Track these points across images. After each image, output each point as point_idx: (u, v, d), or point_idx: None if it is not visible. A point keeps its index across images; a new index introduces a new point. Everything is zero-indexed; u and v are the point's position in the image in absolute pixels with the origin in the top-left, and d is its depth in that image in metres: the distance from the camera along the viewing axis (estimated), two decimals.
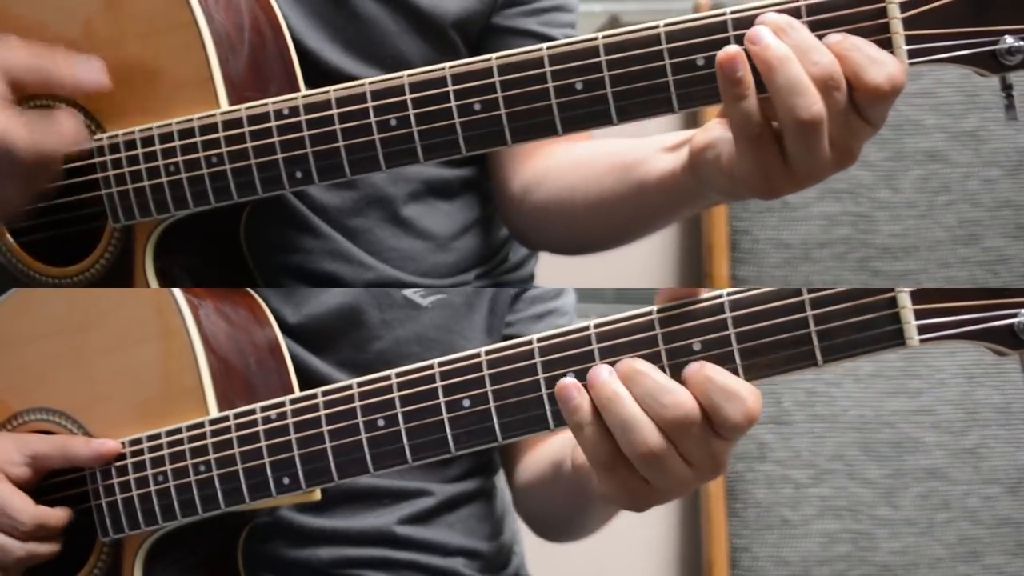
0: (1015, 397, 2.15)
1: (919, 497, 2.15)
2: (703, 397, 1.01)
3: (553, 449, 1.33)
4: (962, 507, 2.14)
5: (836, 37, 1.04)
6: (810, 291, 1.02)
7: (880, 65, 1.03)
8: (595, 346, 1.06)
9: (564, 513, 1.36)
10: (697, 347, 1.04)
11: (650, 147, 1.25)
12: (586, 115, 1.11)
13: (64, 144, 1.20)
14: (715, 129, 1.12)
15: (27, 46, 1.21)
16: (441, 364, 1.10)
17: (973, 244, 2.18)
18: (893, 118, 2.13)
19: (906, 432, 2.12)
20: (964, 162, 2.17)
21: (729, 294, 1.04)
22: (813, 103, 1.02)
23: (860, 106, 1.04)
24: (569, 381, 1.03)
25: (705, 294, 1.05)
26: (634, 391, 1.02)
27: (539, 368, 1.07)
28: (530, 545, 1.55)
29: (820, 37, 1.04)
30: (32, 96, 1.23)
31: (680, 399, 1.00)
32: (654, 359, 1.04)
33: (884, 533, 2.14)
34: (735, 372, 1.03)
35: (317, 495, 1.18)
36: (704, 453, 1.02)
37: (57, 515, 1.24)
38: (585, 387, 1.03)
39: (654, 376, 1.02)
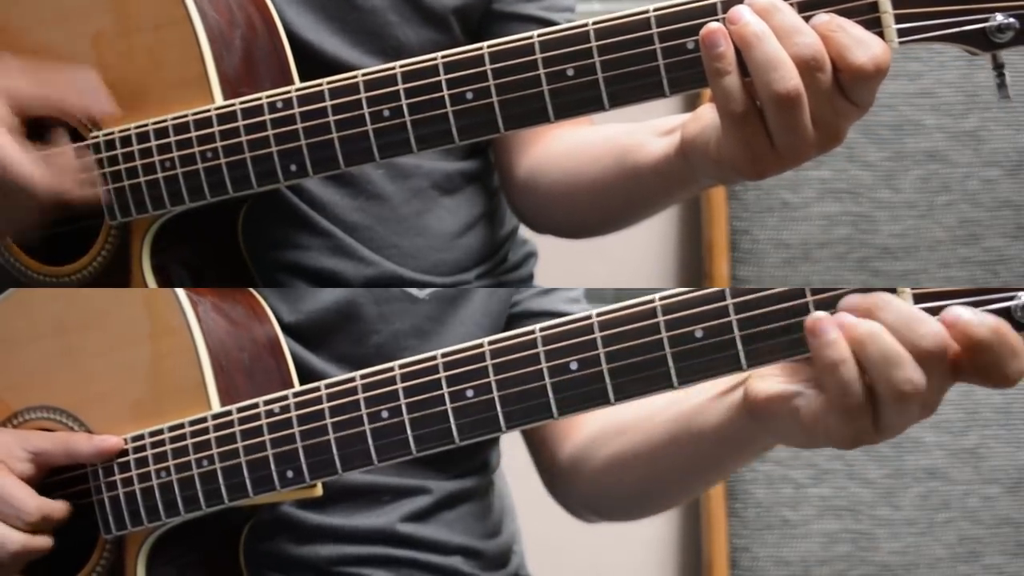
0: (1015, 397, 2.15)
1: (919, 497, 2.15)
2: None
3: (660, 419, 1.26)
4: (962, 507, 2.15)
5: (823, 18, 1.05)
6: (813, 291, 1.03)
7: (865, 46, 1.03)
8: (598, 334, 1.06)
9: (681, 478, 1.28)
10: (699, 334, 1.04)
11: (646, 132, 1.26)
12: (578, 101, 1.11)
13: (79, 182, 1.23)
14: (705, 115, 1.13)
15: (29, 70, 1.23)
16: (444, 355, 1.10)
17: (973, 244, 2.18)
18: (893, 118, 2.16)
19: (906, 432, 2.12)
20: (964, 162, 2.17)
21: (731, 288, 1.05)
22: (790, 78, 1.03)
23: (845, 87, 1.05)
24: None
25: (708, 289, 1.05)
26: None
27: (542, 357, 1.08)
28: (530, 545, 1.56)
29: (808, 18, 1.05)
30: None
31: (935, 328, 0.99)
32: (656, 347, 1.05)
33: (884, 533, 2.14)
34: (736, 358, 1.04)
35: (319, 491, 1.18)
36: (939, 392, 1.01)
37: (60, 508, 1.24)
38: None
39: (903, 306, 1.00)
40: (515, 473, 1.49)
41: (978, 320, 0.98)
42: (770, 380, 1.05)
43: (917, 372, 0.99)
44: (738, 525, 2.15)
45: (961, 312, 0.99)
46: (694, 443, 1.19)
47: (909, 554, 2.14)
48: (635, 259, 2.25)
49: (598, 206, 1.35)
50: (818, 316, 1.00)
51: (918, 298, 1.00)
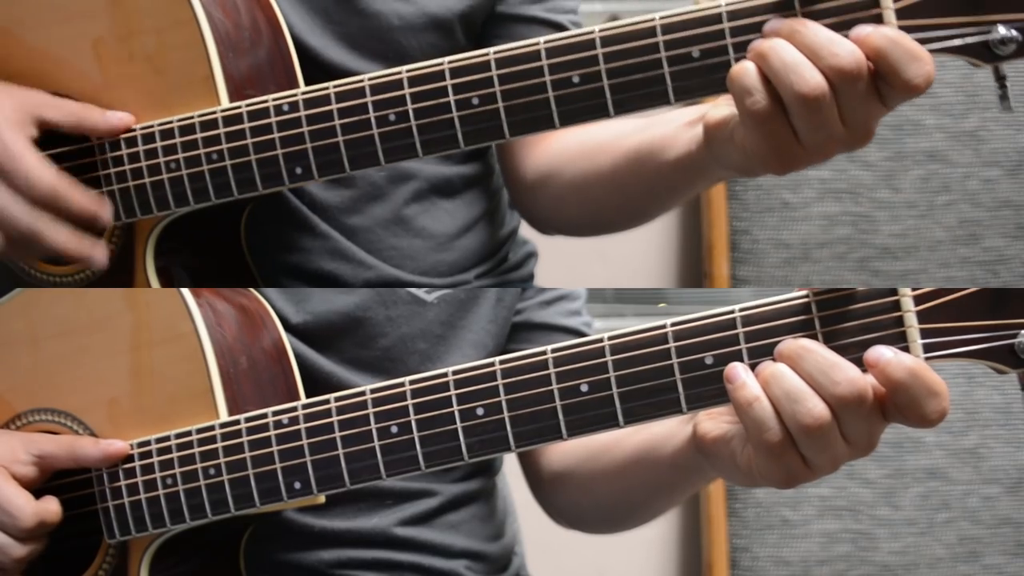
0: (1015, 397, 2.15)
1: (919, 497, 2.15)
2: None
3: (632, 440, 1.31)
4: (962, 507, 2.15)
5: (866, 28, 1.03)
6: (819, 309, 1.03)
7: (919, 63, 1.02)
8: (608, 358, 1.07)
9: (644, 499, 1.34)
10: (709, 361, 1.05)
11: (665, 126, 1.25)
12: (583, 108, 1.11)
13: (79, 189, 1.24)
14: (727, 105, 1.11)
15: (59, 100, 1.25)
16: (455, 373, 1.11)
17: (973, 244, 2.19)
18: (893, 118, 2.16)
19: (906, 432, 2.12)
20: (964, 162, 2.18)
21: (741, 309, 1.05)
22: (810, 78, 1.02)
23: (886, 95, 1.04)
24: (736, 363, 1.05)
25: (718, 309, 1.06)
26: (801, 368, 1.03)
27: (553, 379, 1.08)
28: (530, 546, 1.56)
29: (839, 28, 1.03)
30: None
31: (851, 375, 1.01)
32: (667, 373, 1.06)
33: (884, 533, 2.14)
34: None
35: (321, 499, 1.18)
36: (864, 431, 1.03)
37: (59, 511, 1.23)
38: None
39: (822, 353, 1.02)
40: (515, 474, 1.49)
41: (896, 361, 1.00)
42: (717, 420, 1.10)
43: (819, 405, 1.01)
44: (738, 525, 2.16)
45: (882, 353, 1.01)
46: (654, 469, 1.24)
47: (909, 554, 2.14)
48: (635, 259, 2.25)
49: (617, 204, 1.34)
50: (734, 364, 1.04)
51: (922, 317, 1.01)
